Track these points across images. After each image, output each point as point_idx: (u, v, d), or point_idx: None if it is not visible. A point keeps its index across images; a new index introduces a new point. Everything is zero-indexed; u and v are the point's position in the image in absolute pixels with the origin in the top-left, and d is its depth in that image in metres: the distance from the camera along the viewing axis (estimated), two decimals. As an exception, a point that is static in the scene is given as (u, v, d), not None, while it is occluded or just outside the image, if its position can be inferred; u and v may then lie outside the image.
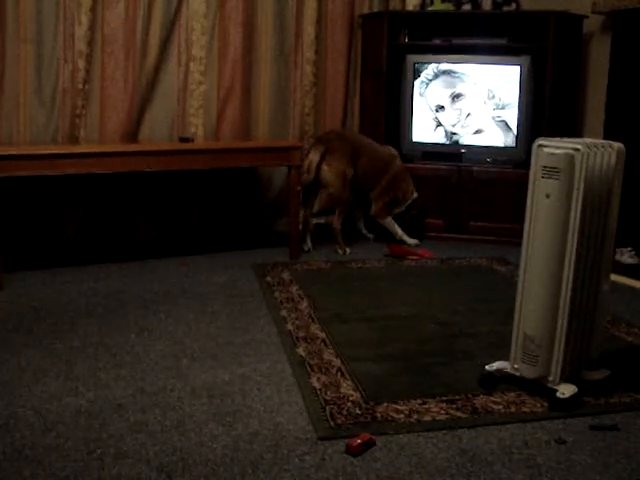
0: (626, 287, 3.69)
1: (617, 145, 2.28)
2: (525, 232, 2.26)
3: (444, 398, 2.29)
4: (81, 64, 4.11)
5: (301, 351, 2.68)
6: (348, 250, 4.28)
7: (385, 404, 2.23)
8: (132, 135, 4.29)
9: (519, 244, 2.31)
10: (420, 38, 4.78)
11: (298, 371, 2.49)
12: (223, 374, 2.46)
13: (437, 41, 4.75)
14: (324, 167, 4.27)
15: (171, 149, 3.85)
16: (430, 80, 4.65)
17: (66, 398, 2.25)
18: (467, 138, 4.65)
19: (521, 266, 2.29)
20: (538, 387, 2.29)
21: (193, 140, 4.22)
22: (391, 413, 2.18)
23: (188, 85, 4.42)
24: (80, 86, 4.13)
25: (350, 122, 5.04)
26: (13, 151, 3.53)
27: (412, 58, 4.65)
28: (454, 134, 4.67)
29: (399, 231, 4.48)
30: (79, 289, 3.42)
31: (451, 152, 4.67)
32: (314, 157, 4.28)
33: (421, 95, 4.67)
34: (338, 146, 4.32)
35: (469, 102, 4.60)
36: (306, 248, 4.33)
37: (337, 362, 2.57)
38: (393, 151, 4.58)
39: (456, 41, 4.71)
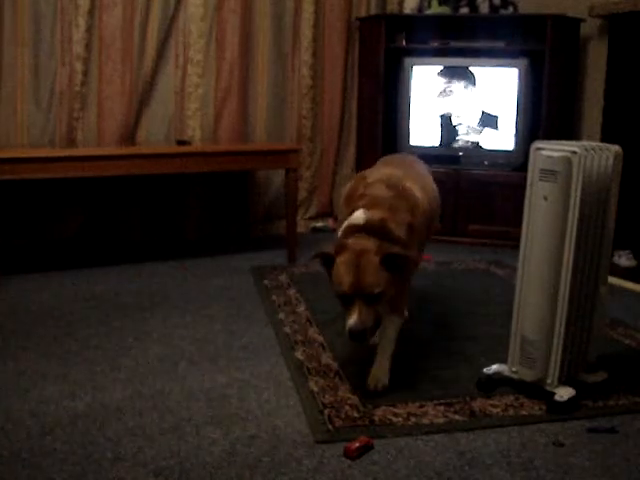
0: (624, 290, 3.69)
1: (615, 148, 2.28)
2: (523, 235, 2.26)
3: (442, 401, 2.28)
4: (78, 67, 4.11)
5: (299, 354, 2.67)
6: None
7: (383, 407, 2.23)
8: (129, 138, 4.30)
9: (517, 247, 2.31)
10: (418, 41, 4.80)
11: (296, 374, 2.48)
12: (221, 377, 2.46)
13: (435, 44, 4.76)
14: None
15: (168, 152, 3.84)
16: (427, 83, 4.65)
17: (63, 402, 2.24)
18: (465, 141, 4.66)
19: (519, 269, 2.29)
20: (536, 390, 2.29)
21: (190, 143, 4.22)
22: (389, 416, 2.17)
23: (185, 88, 4.42)
24: (77, 89, 4.13)
25: (348, 125, 5.05)
26: (10, 154, 3.51)
27: (409, 61, 4.65)
28: (452, 137, 4.67)
29: None
30: (76, 292, 3.42)
31: (449, 155, 4.67)
32: None
33: (418, 98, 4.68)
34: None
35: (466, 105, 4.61)
36: None
37: (335, 365, 2.57)
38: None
39: (454, 44, 4.72)
